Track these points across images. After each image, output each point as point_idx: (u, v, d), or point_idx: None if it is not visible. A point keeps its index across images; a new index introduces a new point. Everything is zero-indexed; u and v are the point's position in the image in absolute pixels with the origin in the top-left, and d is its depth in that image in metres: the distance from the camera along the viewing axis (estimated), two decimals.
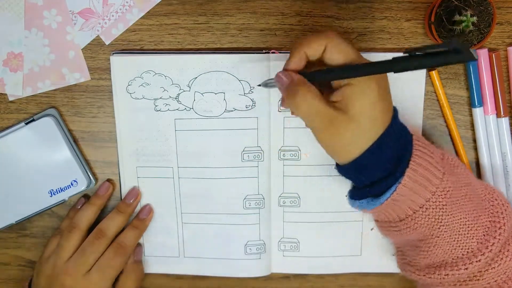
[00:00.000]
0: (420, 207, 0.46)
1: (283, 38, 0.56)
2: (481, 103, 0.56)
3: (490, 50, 0.56)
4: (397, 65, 0.39)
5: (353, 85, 0.43)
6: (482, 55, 0.55)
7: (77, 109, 0.58)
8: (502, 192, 0.50)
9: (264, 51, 0.56)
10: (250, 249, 0.60)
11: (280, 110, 0.57)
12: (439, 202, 0.46)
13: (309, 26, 0.56)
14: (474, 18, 0.50)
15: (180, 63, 0.56)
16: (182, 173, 0.58)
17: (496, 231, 0.46)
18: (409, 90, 0.56)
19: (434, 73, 0.56)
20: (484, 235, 0.46)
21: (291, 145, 0.57)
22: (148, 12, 0.56)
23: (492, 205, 0.48)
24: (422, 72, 0.55)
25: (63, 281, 0.54)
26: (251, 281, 0.62)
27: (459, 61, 0.34)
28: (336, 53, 0.44)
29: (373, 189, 0.47)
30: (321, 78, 0.45)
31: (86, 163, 0.59)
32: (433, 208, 0.46)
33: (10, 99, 0.58)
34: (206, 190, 0.59)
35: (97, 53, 0.57)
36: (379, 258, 0.60)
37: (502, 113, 0.56)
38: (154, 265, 0.62)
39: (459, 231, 0.46)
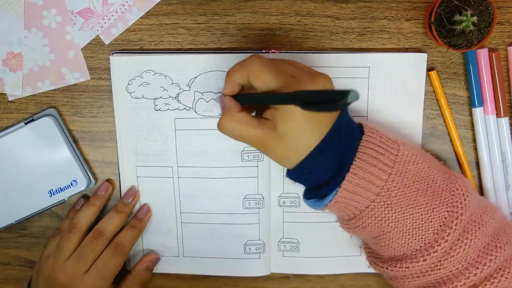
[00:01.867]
0: (366, 207, 0.48)
1: (283, 38, 0.56)
2: (481, 103, 0.56)
3: (490, 50, 0.56)
4: (295, 100, 0.41)
5: (277, 109, 0.45)
6: (482, 55, 0.55)
7: (76, 109, 0.58)
8: (467, 181, 0.51)
9: (264, 51, 0.56)
10: (249, 248, 0.60)
11: None
12: (384, 202, 0.47)
13: (309, 26, 0.56)
14: (474, 18, 0.50)
15: (180, 62, 0.56)
16: (181, 173, 0.58)
17: (453, 221, 0.47)
18: (409, 90, 0.56)
19: (433, 73, 0.56)
20: (441, 225, 0.47)
21: None
22: (148, 12, 0.56)
23: (453, 195, 0.48)
24: (422, 72, 0.55)
25: (62, 280, 0.54)
26: (251, 281, 0.62)
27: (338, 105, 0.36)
28: (256, 81, 0.46)
29: (319, 191, 0.49)
30: (247, 102, 0.48)
31: (85, 163, 0.59)
32: (378, 208, 0.48)
33: (10, 99, 0.58)
34: (206, 189, 0.59)
35: (97, 53, 0.57)
36: None
37: (502, 113, 0.56)
38: None
39: (412, 225, 0.48)
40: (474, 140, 0.58)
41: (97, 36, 0.57)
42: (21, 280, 0.62)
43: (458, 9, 0.51)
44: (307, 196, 0.50)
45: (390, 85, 0.56)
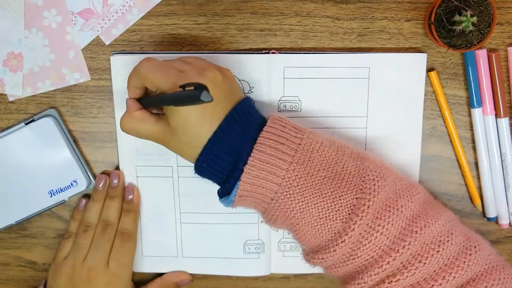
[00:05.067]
0: (271, 200, 0.47)
1: (283, 38, 0.56)
2: (480, 104, 0.56)
3: (490, 51, 0.56)
4: (172, 101, 0.44)
5: None
6: (481, 55, 0.55)
7: (77, 110, 0.58)
8: (383, 166, 0.48)
9: (264, 51, 0.56)
10: (249, 248, 0.60)
11: (280, 111, 0.57)
12: (287, 192, 0.46)
13: (309, 27, 0.56)
14: (474, 18, 0.50)
15: None
16: (181, 172, 0.58)
17: (360, 208, 0.45)
18: (409, 90, 0.56)
19: (433, 74, 0.56)
20: (349, 214, 0.46)
21: None
22: (148, 12, 0.56)
23: (363, 181, 0.46)
24: (422, 73, 0.56)
25: (88, 276, 0.55)
26: (251, 281, 0.62)
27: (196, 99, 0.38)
28: (147, 83, 0.48)
29: (223, 188, 0.49)
30: (147, 105, 0.50)
31: (86, 164, 0.59)
32: (282, 199, 0.47)
33: (10, 99, 0.58)
34: (205, 189, 0.59)
35: (97, 54, 0.57)
36: None
37: (502, 114, 0.56)
38: (152, 265, 0.61)
39: (319, 215, 0.46)
40: (474, 141, 0.58)
41: (98, 36, 0.57)
42: (21, 281, 0.62)
43: (458, 10, 0.51)
44: (219, 195, 0.50)
45: (390, 86, 0.56)
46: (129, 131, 0.50)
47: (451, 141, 0.58)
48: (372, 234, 0.46)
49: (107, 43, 0.57)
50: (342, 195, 0.46)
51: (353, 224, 0.45)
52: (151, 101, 0.49)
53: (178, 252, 0.61)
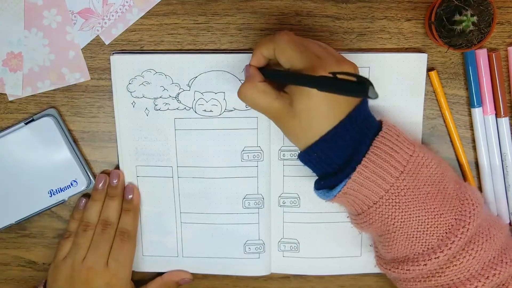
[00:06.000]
0: (374, 203, 0.48)
1: None
2: (480, 103, 0.56)
3: (491, 50, 0.56)
4: (320, 85, 0.40)
5: (297, 86, 0.46)
6: (481, 55, 0.55)
7: (77, 109, 0.58)
8: (478, 193, 0.50)
9: None
10: (249, 248, 0.60)
11: None
12: (392, 200, 0.47)
13: (309, 26, 0.56)
14: (474, 18, 0.50)
15: (180, 62, 0.56)
16: (181, 173, 0.58)
17: (459, 229, 0.47)
18: (409, 90, 0.56)
19: (433, 73, 0.56)
20: (446, 232, 0.47)
21: (291, 145, 0.57)
22: (148, 12, 0.56)
23: (462, 204, 0.48)
24: (422, 73, 0.55)
25: (86, 276, 0.55)
26: (251, 281, 0.62)
27: (362, 94, 0.35)
28: (281, 57, 0.47)
29: (327, 181, 0.48)
30: (270, 77, 0.49)
31: (85, 163, 0.59)
32: (385, 205, 0.47)
33: (10, 99, 0.58)
34: (206, 189, 0.59)
35: (97, 53, 0.57)
36: None
37: (502, 113, 0.56)
38: (153, 264, 0.62)
39: (417, 228, 0.48)
40: (474, 140, 0.58)
41: (97, 36, 0.57)
42: (21, 281, 0.62)
43: (458, 9, 0.51)
44: (317, 186, 0.50)
45: (390, 85, 0.56)
46: (247, 100, 0.49)
47: (451, 141, 0.58)
48: (465, 256, 0.47)
49: (107, 42, 0.57)
50: (442, 213, 0.47)
51: (451, 243, 0.47)
52: (282, 76, 0.48)
53: (178, 252, 0.61)
